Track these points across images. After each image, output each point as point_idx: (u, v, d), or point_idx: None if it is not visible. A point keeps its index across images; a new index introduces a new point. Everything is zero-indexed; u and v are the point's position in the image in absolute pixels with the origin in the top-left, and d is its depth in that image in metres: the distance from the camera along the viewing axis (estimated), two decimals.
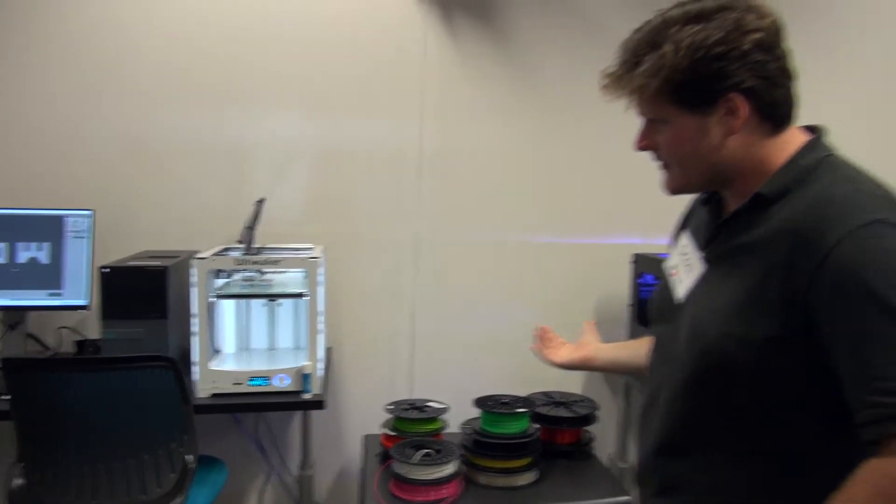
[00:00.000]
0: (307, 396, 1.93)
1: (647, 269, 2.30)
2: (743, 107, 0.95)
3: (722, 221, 1.06)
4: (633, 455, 2.47)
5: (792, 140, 1.01)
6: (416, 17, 2.37)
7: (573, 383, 2.45)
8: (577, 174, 2.49)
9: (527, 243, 2.50)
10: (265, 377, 1.94)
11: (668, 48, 0.94)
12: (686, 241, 1.14)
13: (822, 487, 0.87)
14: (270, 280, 2.12)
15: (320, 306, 1.97)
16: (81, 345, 2.21)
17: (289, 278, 2.15)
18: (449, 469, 1.91)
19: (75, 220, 2.15)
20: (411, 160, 2.41)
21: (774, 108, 0.98)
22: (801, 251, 0.89)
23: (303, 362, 1.97)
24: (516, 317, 2.50)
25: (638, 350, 1.37)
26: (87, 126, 2.27)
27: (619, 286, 2.35)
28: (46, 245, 2.14)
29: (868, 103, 2.52)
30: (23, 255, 2.13)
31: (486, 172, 2.46)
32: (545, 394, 2.31)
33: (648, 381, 1.19)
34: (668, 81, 0.95)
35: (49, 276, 2.13)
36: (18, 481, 1.73)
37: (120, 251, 2.19)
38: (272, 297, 2.10)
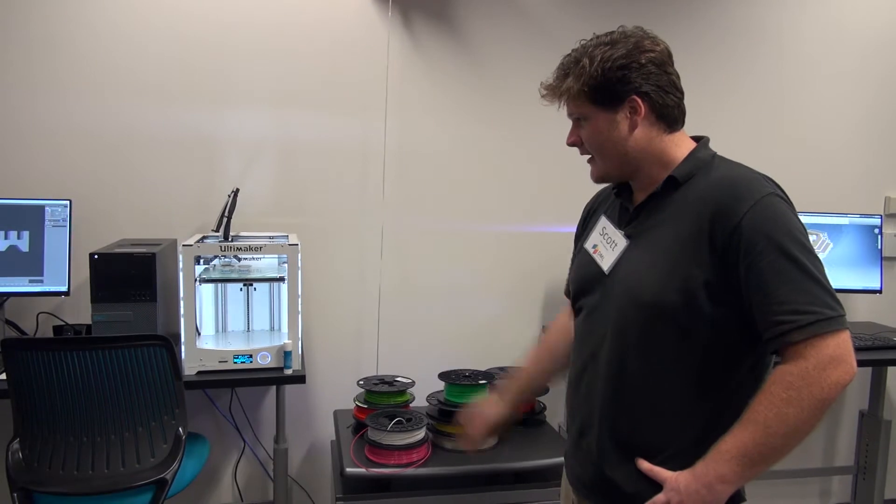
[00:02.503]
0: (288, 372, 2.09)
1: None
2: (641, 106, 1.26)
3: (640, 204, 1.33)
4: None
5: (684, 142, 1.32)
6: (378, 20, 2.54)
7: None
8: (533, 167, 2.72)
9: (485, 232, 2.71)
10: (248, 355, 2.09)
11: (585, 61, 1.27)
12: (604, 223, 1.39)
13: (741, 404, 1.17)
14: (248, 266, 2.27)
15: (299, 289, 2.13)
16: (60, 329, 2.30)
17: (265, 264, 2.30)
18: (419, 435, 2.11)
19: (54, 210, 2.24)
20: (376, 154, 2.59)
21: (666, 110, 1.28)
22: (722, 217, 1.17)
23: (280, 341, 2.13)
24: (475, 301, 2.72)
25: (538, 366, 1.63)
26: (66, 120, 2.35)
27: None
28: (26, 233, 2.22)
29: (749, 115, 2.89)
30: (3, 244, 2.20)
31: (446, 166, 2.66)
32: (501, 369, 2.54)
33: (578, 350, 1.39)
34: (586, 85, 1.26)
35: (30, 264, 2.21)
36: (18, 456, 1.83)
37: (97, 239, 2.29)
38: (253, 281, 2.24)
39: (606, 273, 1.33)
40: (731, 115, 2.84)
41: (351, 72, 2.54)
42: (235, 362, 2.08)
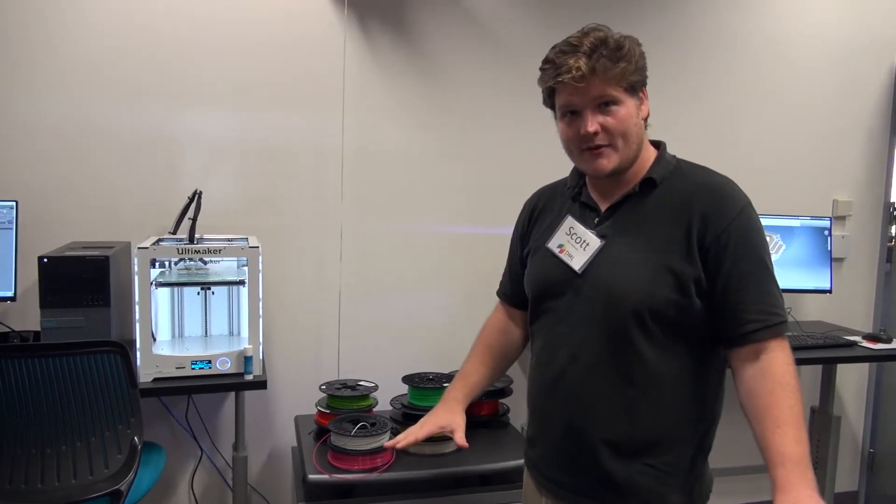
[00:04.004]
0: (249, 377, 2.04)
1: None
2: (646, 101, 1.32)
3: (614, 204, 1.34)
4: None
5: (649, 144, 1.37)
6: (335, 20, 2.51)
7: None
8: (488, 169, 2.72)
9: (445, 233, 2.70)
10: (207, 361, 2.03)
11: (630, 47, 1.26)
12: (571, 222, 1.39)
13: (720, 391, 1.34)
14: (206, 269, 2.21)
15: (260, 293, 2.08)
16: (5, 337, 2.20)
17: (224, 267, 2.25)
18: (383, 439, 2.08)
19: (0, 211, 2.14)
20: (334, 154, 2.55)
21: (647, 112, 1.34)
22: (713, 218, 1.24)
23: (239, 346, 2.08)
24: (436, 302, 2.70)
25: (486, 368, 1.61)
26: (13, 117, 2.25)
27: None
28: None
29: (703, 120, 2.97)
30: None
31: (405, 166, 2.64)
32: None
33: (549, 354, 1.38)
34: (636, 71, 1.27)
35: None
36: None
37: (46, 242, 2.20)
38: (212, 285, 2.18)
39: (579, 273, 1.33)
40: (686, 120, 2.90)
41: (308, 72, 2.51)
42: (193, 368, 2.02)
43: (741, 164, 2.93)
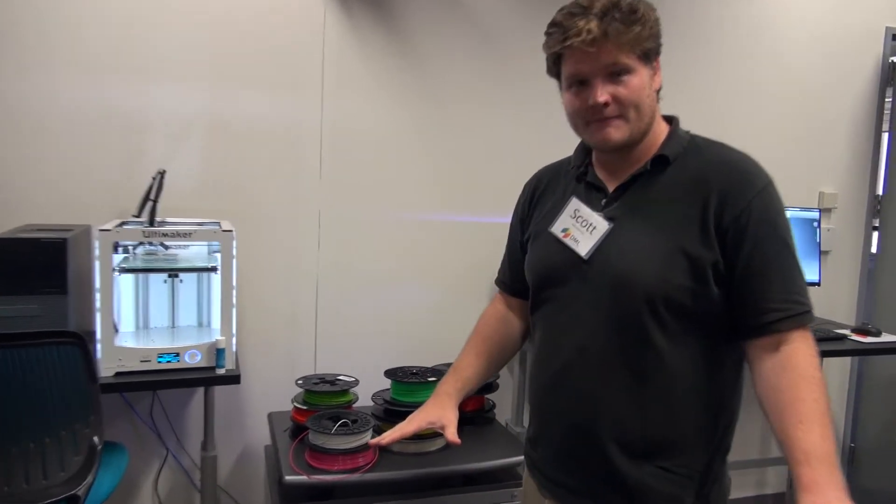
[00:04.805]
0: (221, 371, 1.90)
1: None
2: (659, 71, 1.21)
3: (623, 184, 1.24)
4: (528, 420, 2.64)
5: (661, 119, 1.26)
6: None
7: None
8: (475, 155, 2.60)
9: (428, 221, 2.57)
10: (175, 353, 1.88)
11: (644, 10, 1.15)
12: (577, 204, 1.28)
13: (736, 386, 1.23)
14: (174, 255, 2.05)
15: (234, 280, 1.93)
16: None
17: (193, 253, 2.09)
18: (366, 437, 1.96)
19: None
20: (312, 135, 2.41)
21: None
22: (732, 197, 1.14)
23: (210, 338, 1.93)
24: (419, 292, 2.58)
25: (481, 361, 1.49)
26: None
27: None
28: None
29: (694, 112, 2.91)
30: None
31: (389, 150, 2.51)
32: (449, 365, 2.40)
33: (554, 346, 1.28)
34: (650, 37, 1.16)
35: None
36: None
37: None
38: (180, 271, 2.03)
39: (585, 259, 1.22)
40: (677, 113, 2.81)
41: (285, 46, 2.35)
42: (160, 362, 1.87)
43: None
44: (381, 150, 2.51)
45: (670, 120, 1.29)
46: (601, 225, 1.23)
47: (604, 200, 1.26)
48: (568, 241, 1.26)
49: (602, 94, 1.15)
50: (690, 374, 1.18)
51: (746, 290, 1.14)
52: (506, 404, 2.61)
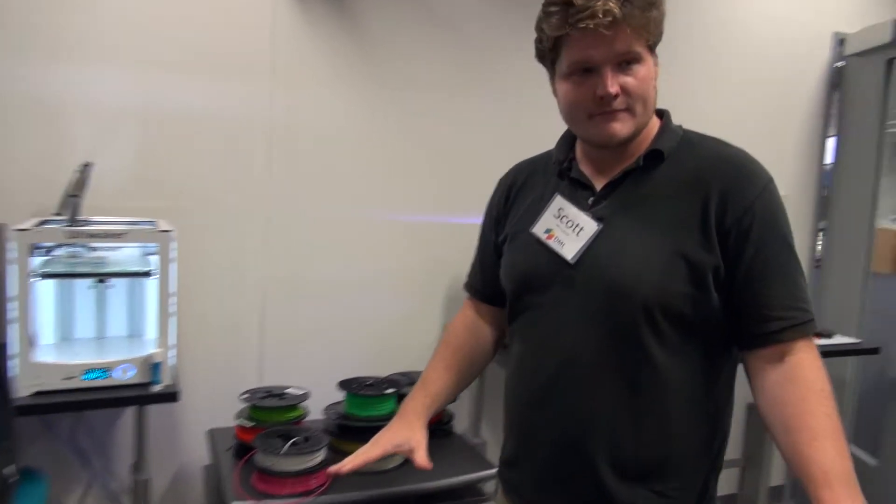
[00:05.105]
0: (158, 388, 1.70)
1: None
2: (657, 59, 1.13)
3: (612, 181, 1.14)
4: (485, 431, 2.53)
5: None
6: None
7: (425, 362, 2.43)
8: (436, 153, 2.46)
9: (385, 222, 2.41)
10: (104, 369, 1.66)
11: None
12: (561, 202, 1.18)
13: (730, 400, 1.17)
14: (102, 258, 1.83)
15: (173, 286, 1.74)
16: None
17: (124, 255, 1.87)
18: (319, 457, 1.80)
19: None
20: (261, 129, 2.21)
21: None
22: (734, 196, 1.06)
23: (143, 350, 1.73)
24: (372, 298, 2.41)
25: (452, 375, 1.37)
26: None
27: None
28: None
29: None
30: None
31: (343, 145, 2.33)
32: (404, 374, 2.27)
33: (536, 358, 1.18)
34: (661, 22, 1.09)
35: None
36: None
37: None
38: (111, 276, 1.80)
39: (572, 263, 1.12)
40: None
41: (230, 28, 2.15)
42: (86, 379, 1.65)
43: None
44: (337, 143, 2.32)
45: (661, 113, 1.20)
46: (589, 225, 1.13)
47: (591, 199, 1.16)
48: (552, 242, 1.16)
49: (613, 84, 1.05)
50: (687, 388, 1.10)
51: (748, 296, 1.06)
52: (461, 413, 2.48)
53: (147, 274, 1.74)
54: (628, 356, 1.08)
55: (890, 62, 2.82)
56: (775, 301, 1.05)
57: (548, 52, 1.12)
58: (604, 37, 1.02)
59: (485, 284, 1.38)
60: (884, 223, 2.99)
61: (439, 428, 2.19)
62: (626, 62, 1.06)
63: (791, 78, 3.05)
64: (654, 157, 1.13)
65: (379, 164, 2.40)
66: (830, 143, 3.10)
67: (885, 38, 2.74)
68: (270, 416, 1.95)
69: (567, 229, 1.15)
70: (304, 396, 2.03)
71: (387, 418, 1.90)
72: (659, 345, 1.07)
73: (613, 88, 1.05)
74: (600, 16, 1.00)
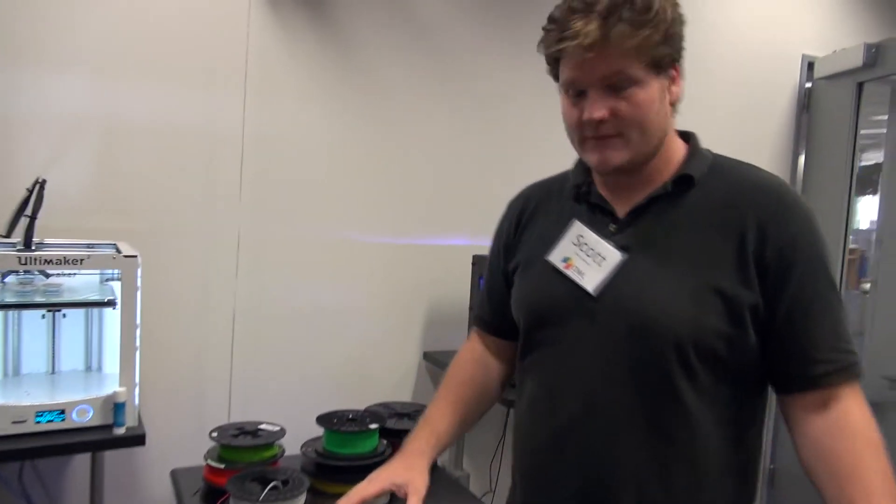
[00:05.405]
0: (120, 431, 1.53)
1: None
2: (678, 79, 1.04)
3: (637, 207, 1.06)
4: (467, 463, 2.42)
5: (675, 135, 1.10)
6: None
7: (405, 392, 2.31)
8: (415, 173, 2.36)
9: (363, 244, 2.30)
10: (59, 410, 1.49)
11: (668, 12, 0.97)
12: (580, 229, 1.10)
13: (753, 436, 1.07)
14: (57, 285, 1.66)
15: (137, 317, 1.58)
16: None
17: (80, 283, 1.71)
18: (300, 502, 1.65)
19: None
20: (232, 145, 2.08)
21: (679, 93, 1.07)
22: (774, 226, 0.99)
23: (102, 387, 1.57)
24: (351, 325, 2.29)
25: (459, 413, 1.29)
26: None
27: (460, 289, 2.26)
28: None
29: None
30: None
31: (320, 163, 2.21)
32: (385, 405, 2.13)
33: (554, 399, 1.10)
34: (664, 42, 0.98)
35: None
36: None
37: None
38: (67, 307, 1.63)
39: (593, 294, 1.03)
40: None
41: (200, 37, 2.02)
42: (38, 422, 1.47)
43: None
44: (313, 161, 2.21)
45: (686, 136, 1.12)
46: (612, 255, 1.05)
47: (613, 226, 1.08)
48: (570, 272, 1.08)
49: (598, 108, 0.98)
50: (720, 434, 1.03)
51: (790, 336, 0.99)
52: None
53: (111, 304, 1.58)
54: (657, 399, 1.01)
55: (860, 85, 2.85)
56: (820, 342, 0.99)
57: (551, 70, 1.07)
58: (585, 59, 0.95)
59: (493, 316, 1.29)
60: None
61: None
62: (617, 84, 0.98)
63: (763, 99, 3.07)
64: (683, 182, 1.06)
65: (356, 182, 2.28)
66: (800, 163, 3.13)
67: (857, 62, 2.76)
68: (243, 456, 1.78)
69: (587, 258, 1.07)
70: (280, 433, 1.87)
71: (370, 456, 1.81)
72: (691, 386, 1.00)
73: (598, 113, 0.98)
74: (580, 38, 0.93)
